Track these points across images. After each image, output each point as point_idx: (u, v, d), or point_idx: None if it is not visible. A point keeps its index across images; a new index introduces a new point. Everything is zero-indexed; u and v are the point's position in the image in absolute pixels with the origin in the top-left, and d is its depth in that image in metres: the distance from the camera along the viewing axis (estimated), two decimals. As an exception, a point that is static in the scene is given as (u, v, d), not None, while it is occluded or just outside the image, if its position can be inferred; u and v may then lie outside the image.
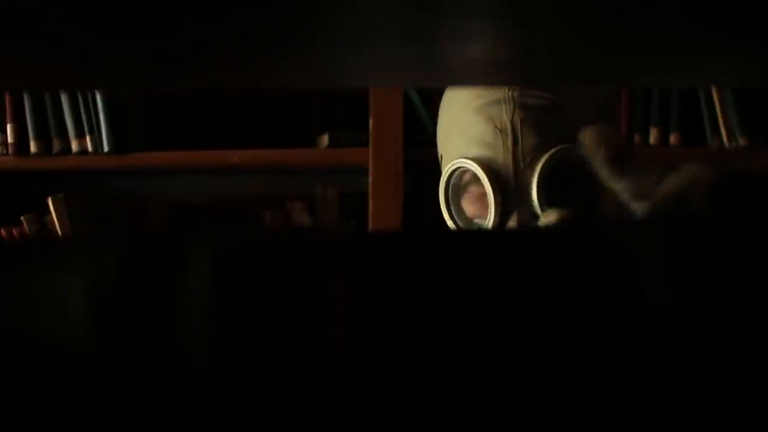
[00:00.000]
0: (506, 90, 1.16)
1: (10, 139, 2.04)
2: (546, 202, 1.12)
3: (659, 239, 0.42)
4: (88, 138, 2.04)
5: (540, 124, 1.15)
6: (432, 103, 1.99)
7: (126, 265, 0.41)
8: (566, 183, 1.11)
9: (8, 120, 2.05)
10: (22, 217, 2.08)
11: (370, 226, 1.95)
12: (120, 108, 2.05)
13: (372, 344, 0.41)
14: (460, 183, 1.20)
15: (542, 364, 0.42)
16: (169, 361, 0.41)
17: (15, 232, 2.07)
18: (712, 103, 2.02)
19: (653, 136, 2.03)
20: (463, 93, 1.21)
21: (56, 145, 2.05)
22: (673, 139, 2.03)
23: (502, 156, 1.15)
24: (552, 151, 1.13)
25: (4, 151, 2.05)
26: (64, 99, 2.03)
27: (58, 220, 2.06)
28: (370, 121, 1.95)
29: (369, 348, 0.41)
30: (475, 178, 1.16)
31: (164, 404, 0.41)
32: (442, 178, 1.20)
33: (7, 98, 2.03)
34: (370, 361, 0.41)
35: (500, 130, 1.15)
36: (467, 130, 1.19)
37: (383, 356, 0.41)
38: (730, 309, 0.42)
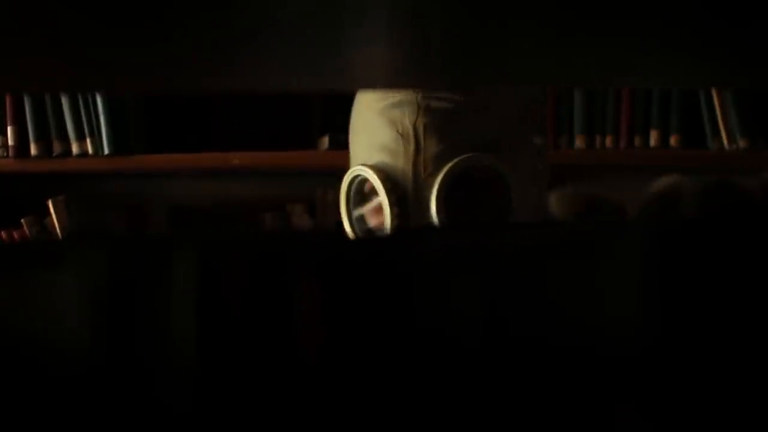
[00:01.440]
0: (410, 91, 1.05)
1: (10, 142, 2.04)
2: (446, 216, 1.01)
3: (649, 243, 0.42)
4: (88, 140, 2.04)
5: (445, 130, 1.04)
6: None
7: (110, 265, 0.41)
8: (473, 194, 1.03)
9: (9, 122, 2.05)
10: (22, 220, 2.08)
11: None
12: (120, 110, 2.05)
13: (351, 343, 0.41)
14: (362, 191, 1.09)
15: (523, 364, 0.42)
16: (155, 361, 0.41)
17: (15, 234, 2.07)
18: (713, 105, 2.02)
19: (653, 138, 2.03)
20: (368, 94, 1.11)
21: (56, 148, 2.05)
22: (673, 141, 2.03)
23: (403, 164, 1.04)
24: (456, 160, 1.02)
25: (5, 154, 2.05)
26: (65, 101, 2.03)
27: (59, 223, 2.07)
28: (371, 123, 1.94)
29: (347, 346, 0.41)
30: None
31: (151, 402, 0.41)
32: (342, 185, 1.11)
33: (8, 100, 2.03)
34: (348, 359, 0.41)
35: (402, 136, 1.04)
36: (370, 133, 1.09)
37: (360, 354, 0.41)
38: (725, 312, 0.42)
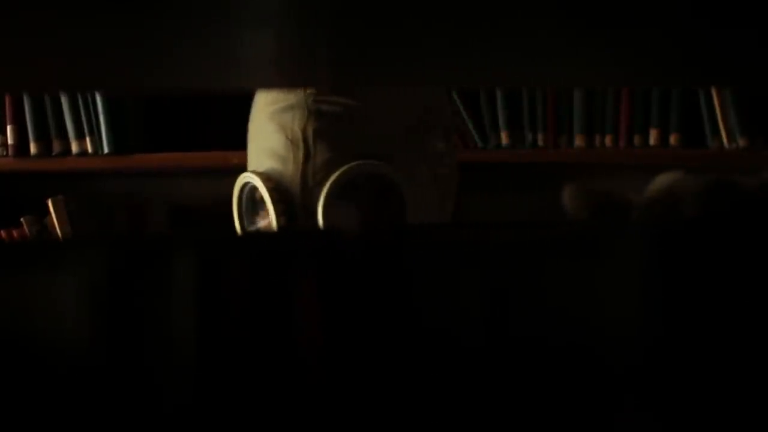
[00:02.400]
0: (301, 94, 1.00)
1: (10, 141, 2.04)
2: (334, 226, 0.96)
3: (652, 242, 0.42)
4: (88, 139, 2.04)
5: (336, 136, 1.00)
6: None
7: (110, 265, 0.41)
8: (364, 204, 0.99)
9: (8, 121, 2.04)
10: (21, 219, 2.07)
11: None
12: (120, 109, 2.05)
13: (351, 342, 0.41)
14: (254, 198, 1.05)
15: (520, 364, 0.42)
16: (155, 360, 0.41)
17: (15, 233, 2.07)
18: (712, 104, 2.02)
19: (653, 137, 2.03)
20: (262, 96, 1.07)
21: (56, 147, 2.05)
22: (673, 140, 2.03)
23: (292, 171, 0.99)
24: (344, 167, 0.98)
25: (4, 153, 2.05)
26: (64, 100, 2.03)
27: (58, 222, 2.06)
28: (370, 122, 1.94)
29: (348, 346, 0.41)
30: None
31: (151, 402, 0.41)
32: (234, 191, 1.07)
33: (7, 99, 2.03)
34: (348, 359, 0.41)
35: (291, 141, 1.00)
36: (261, 139, 1.04)
37: (360, 353, 0.41)
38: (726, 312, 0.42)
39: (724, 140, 2.02)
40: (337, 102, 1.00)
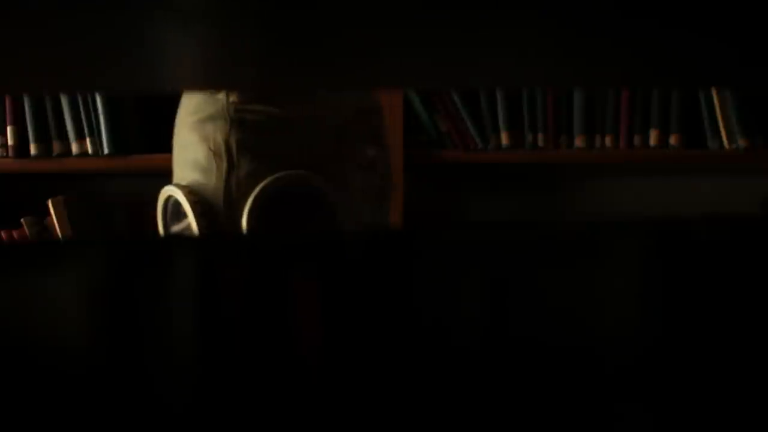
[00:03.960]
0: (223, 104, 0.97)
1: (10, 142, 2.04)
2: None
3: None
4: (88, 140, 2.04)
5: (259, 146, 0.97)
6: (432, 104, 1.99)
7: (110, 266, 0.41)
8: (291, 214, 0.96)
9: (8, 122, 2.04)
10: (22, 220, 2.07)
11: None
12: (120, 110, 2.05)
13: (351, 343, 0.41)
14: (178, 211, 1.01)
15: (522, 366, 0.42)
16: (155, 361, 0.41)
17: (15, 234, 2.07)
18: (713, 104, 2.02)
19: (653, 138, 2.03)
20: (184, 105, 1.05)
21: (56, 148, 2.05)
22: (673, 140, 2.03)
23: (215, 183, 0.96)
24: (269, 178, 0.95)
25: (4, 154, 2.05)
26: (64, 101, 2.03)
27: (58, 223, 2.06)
28: (370, 123, 1.94)
29: (348, 346, 0.41)
30: None
31: (151, 402, 0.41)
32: (158, 203, 1.04)
33: (7, 100, 2.03)
34: (348, 359, 0.41)
35: (215, 153, 0.97)
36: (184, 150, 1.02)
37: (360, 354, 0.41)
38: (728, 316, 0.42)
39: (725, 141, 2.02)
40: (260, 111, 0.97)
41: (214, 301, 0.41)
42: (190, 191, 0.98)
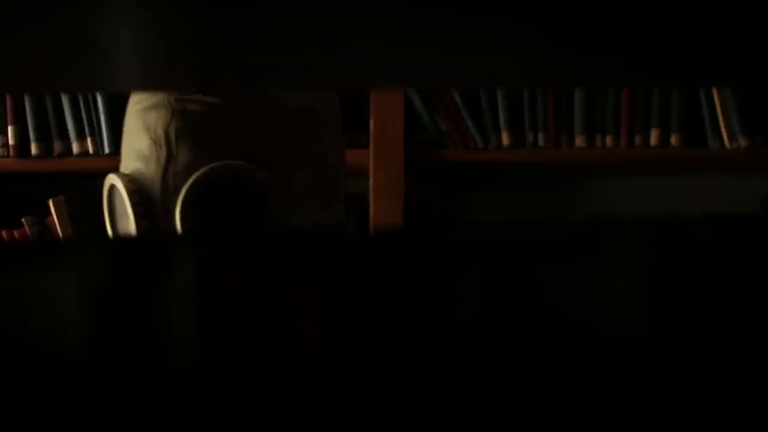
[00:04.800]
0: (166, 93, 0.98)
1: (11, 141, 2.04)
2: (192, 229, 0.94)
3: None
4: (89, 140, 2.04)
5: (199, 135, 0.96)
6: (432, 104, 1.99)
7: (110, 265, 0.41)
8: (227, 208, 0.96)
9: (9, 122, 2.05)
10: (22, 219, 2.08)
11: (371, 227, 1.95)
12: (121, 109, 2.04)
13: (352, 343, 0.41)
14: (124, 203, 1.01)
15: (525, 370, 0.42)
16: (155, 361, 0.41)
17: (16, 234, 2.07)
18: (713, 103, 2.02)
19: (654, 137, 2.03)
20: (133, 95, 1.05)
21: (57, 147, 2.05)
22: (674, 139, 2.03)
23: (153, 172, 0.96)
24: (203, 169, 0.95)
25: (5, 153, 2.05)
26: (65, 101, 2.03)
27: (59, 222, 2.06)
28: (371, 123, 1.94)
29: (348, 347, 0.41)
30: None
31: (151, 403, 0.41)
32: (103, 193, 1.05)
33: (8, 100, 2.03)
34: (348, 360, 0.41)
35: (155, 142, 0.97)
36: (129, 139, 1.02)
37: (360, 354, 0.41)
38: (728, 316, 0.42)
39: (725, 140, 2.02)
40: (201, 101, 0.96)
41: (214, 301, 0.41)
42: (129, 179, 0.98)
